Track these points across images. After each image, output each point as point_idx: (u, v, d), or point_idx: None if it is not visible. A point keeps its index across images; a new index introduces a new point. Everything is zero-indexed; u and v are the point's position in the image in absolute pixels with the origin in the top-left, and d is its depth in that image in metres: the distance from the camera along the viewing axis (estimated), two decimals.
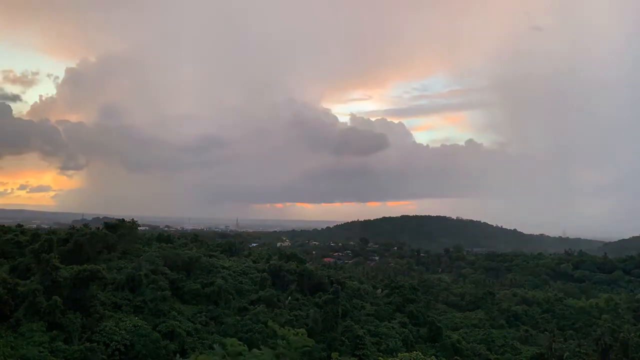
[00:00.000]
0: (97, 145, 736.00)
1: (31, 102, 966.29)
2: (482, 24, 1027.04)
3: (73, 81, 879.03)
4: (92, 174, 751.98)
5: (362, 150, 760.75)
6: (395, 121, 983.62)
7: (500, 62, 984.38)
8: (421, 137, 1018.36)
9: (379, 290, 74.71)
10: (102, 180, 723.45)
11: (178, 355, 32.84)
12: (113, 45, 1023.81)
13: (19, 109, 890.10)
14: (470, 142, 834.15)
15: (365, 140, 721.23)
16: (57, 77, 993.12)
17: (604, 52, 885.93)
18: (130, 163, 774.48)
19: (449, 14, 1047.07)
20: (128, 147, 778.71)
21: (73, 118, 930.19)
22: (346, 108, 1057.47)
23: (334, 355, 27.55)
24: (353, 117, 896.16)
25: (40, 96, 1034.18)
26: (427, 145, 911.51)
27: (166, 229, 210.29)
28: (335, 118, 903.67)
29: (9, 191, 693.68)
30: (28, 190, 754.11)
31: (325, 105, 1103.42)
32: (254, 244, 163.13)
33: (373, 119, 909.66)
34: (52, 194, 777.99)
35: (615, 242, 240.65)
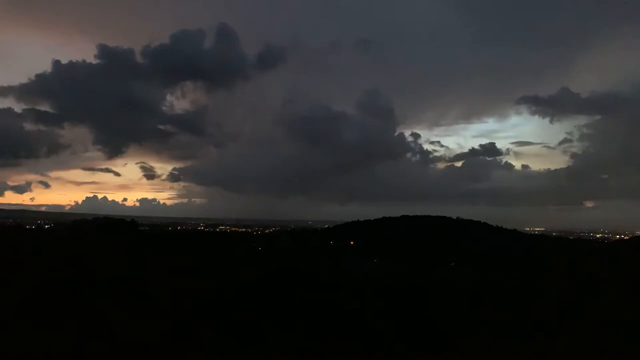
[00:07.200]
0: None
1: None
2: None
3: None
4: None
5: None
6: None
7: None
8: None
9: (379, 290, 74.73)
10: None
11: None
12: None
13: None
14: None
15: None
16: None
17: None
18: None
19: None
20: None
21: None
22: None
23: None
24: None
25: None
26: None
27: (166, 229, 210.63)
28: None
29: None
30: None
31: None
32: (254, 244, 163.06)
33: None
34: None
35: (615, 241, 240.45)
